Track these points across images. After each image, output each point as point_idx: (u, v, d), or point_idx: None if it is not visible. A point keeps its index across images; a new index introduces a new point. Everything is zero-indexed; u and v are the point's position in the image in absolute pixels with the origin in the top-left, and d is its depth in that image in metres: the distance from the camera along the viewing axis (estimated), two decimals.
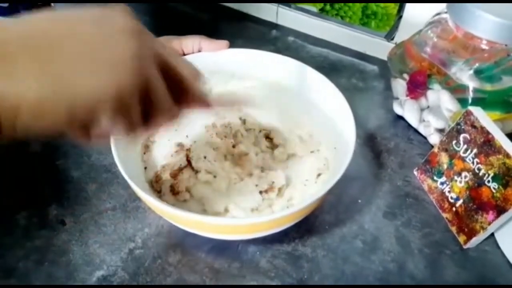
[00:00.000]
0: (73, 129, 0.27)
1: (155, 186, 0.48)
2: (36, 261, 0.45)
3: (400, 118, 0.66)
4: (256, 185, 0.49)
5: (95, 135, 0.28)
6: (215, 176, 0.49)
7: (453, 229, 0.51)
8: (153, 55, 0.28)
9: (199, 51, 0.54)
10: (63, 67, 0.24)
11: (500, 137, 0.47)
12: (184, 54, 0.54)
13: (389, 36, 0.76)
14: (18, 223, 0.48)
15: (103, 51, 0.25)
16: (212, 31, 0.57)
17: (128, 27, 0.27)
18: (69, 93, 0.24)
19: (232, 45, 0.55)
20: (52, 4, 0.82)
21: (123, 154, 0.43)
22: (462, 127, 0.51)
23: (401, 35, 0.71)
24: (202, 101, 0.35)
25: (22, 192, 0.51)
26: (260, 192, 0.48)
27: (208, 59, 0.54)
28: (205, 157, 0.50)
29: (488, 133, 0.48)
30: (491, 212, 0.47)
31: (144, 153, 0.51)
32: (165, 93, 0.30)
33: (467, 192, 0.49)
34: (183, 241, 0.48)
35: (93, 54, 0.25)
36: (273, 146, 0.55)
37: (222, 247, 0.48)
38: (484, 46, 0.53)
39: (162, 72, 0.29)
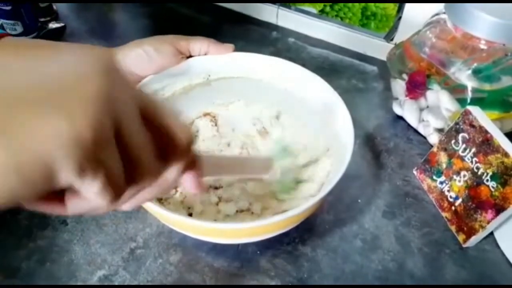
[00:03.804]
0: (37, 198, 0.20)
1: None
2: (38, 261, 0.46)
3: (400, 118, 0.66)
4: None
5: (70, 202, 0.23)
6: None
7: (453, 228, 0.51)
8: (130, 98, 0.23)
9: (205, 54, 0.54)
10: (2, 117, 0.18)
11: (498, 136, 0.47)
12: (190, 56, 0.54)
13: (389, 37, 0.76)
14: (20, 223, 0.49)
15: (60, 91, 0.19)
16: (213, 33, 0.57)
17: (100, 67, 0.21)
18: (13, 148, 0.18)
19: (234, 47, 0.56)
20: (54, 6, 0.83)
21: None
22: (461, 127, 0.51)
23: (401, 36, 0.71)
24: (191, 161, 0.30)
25: None
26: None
27: (209, 61, 0.55)
28: None
29: (486, 132, 0.48)
30: (490, 211, 0.47)
31: None
32: (147, 147, 0.24)
33: (466, 191, 0.50)
34: (183, 241, 0.48)
35: (46, 94, 0.19)
36: None
37: (222, 247, 0.48)
38: (482, 46, 0.53)
39: (144, 121, 0.24)
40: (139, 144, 0.23)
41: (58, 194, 0.23)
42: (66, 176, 0.19)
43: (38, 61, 0.20)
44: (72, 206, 0.23)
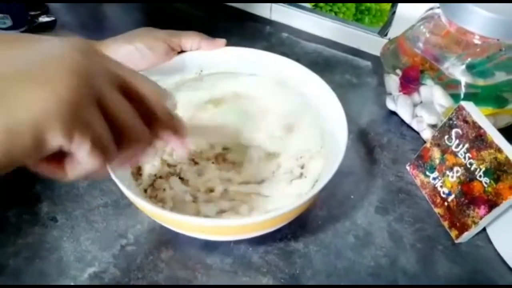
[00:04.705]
0: (33, 160, 0.24)
1: (136, 177, 0.48)
2: (27, 258, 0.45)
3: (393, 113, 0.66)
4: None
5: (68, 166, 0.26)
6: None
7: (445, 224, 0.51)
8: (107, 73, 0.26)
9: (197, 49, 0.54)
10: None
11: (491, 132, 0.47)
12: (182, 51, 0.54)
13: (383, 32, 0.76)
14: (9, 220, 0.48)
15: (42, 68, 0.23)
16: (206, 28, 0.57)
17: (77, 47, 0.25)
18: (6, 113, 0.22)
19: (226, 41, 0.55)
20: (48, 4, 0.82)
21: None
22: (454, 122, 0.51)
23: (395, 31, 0.71)
24: (171, 122, 0.33)
25: (13, 189, 0.51)
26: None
27: (201, 57, 0.54)
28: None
29: (479, 128, 0.48)
30: (482, 206, 0.47)
31: None
32: (131, 113, 0.28)
33: (459, 187, 0.50)
34: (175, 238, 0.48)
35: (30, 72, 0.23)
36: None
37: (214, 243, 0.48)
38: (476, 41, 0.53)
39: (124, 93, 0.27)
40: (121, 110, 0.27)
41: (59, 160, 0.26)
42: (54, 137, 0.23)
43: (24, 49, 0.24)
44: (71, 170, 0.26)
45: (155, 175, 0.48)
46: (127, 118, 0.27)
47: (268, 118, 0.53)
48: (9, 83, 0.22)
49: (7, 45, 0.24)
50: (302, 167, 0.49)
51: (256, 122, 0.52)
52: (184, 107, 0.53)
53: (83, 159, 0.25)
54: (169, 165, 0.49)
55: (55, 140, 0.23)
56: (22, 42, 0.25)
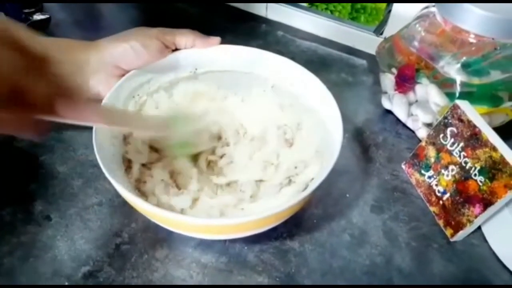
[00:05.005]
0: None
1: (127, 171, 0.48)
2: (21, 257, 0.45)
3: (389, 112, 0.66)
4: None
5: None
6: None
7: (440, 222, 0.51)
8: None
9: (191, 47, 0.54)
10: None
11: (486, 131, 0.47)
12: (176, 49, 0.53)
13: (378, 31, 0.76)
14: (3, 219, 0.48)
15: None
16: (202, 25, 0.56)
17: None
18: None
19: (221, 39, 0.55)
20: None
21: (107, 151, 0.43)
22: (449, 121, 0.51)
23: (391, 30, 0.71)
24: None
25: (7, 188, 0.51)
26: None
27: (196, 55, 0.54)
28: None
29: (474, 126, 0.48)
30: (477, 205, 0.47)
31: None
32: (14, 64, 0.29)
33: (454, 186, 0.50)
34: (170, 236, 0.47)
35: None
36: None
37: (209, 242, 0.47)
38: (471, 40, 0.53)
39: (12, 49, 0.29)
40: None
41: None
42: None
43: None
44: None
45: (144, 164, 0.49)
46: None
47: (268, 135, 0.54)
48: None
49: None
50: (296, 175, 0.50)
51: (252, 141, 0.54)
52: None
53: None
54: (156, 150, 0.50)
55: None
56: None
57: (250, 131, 0.56)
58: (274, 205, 0.39)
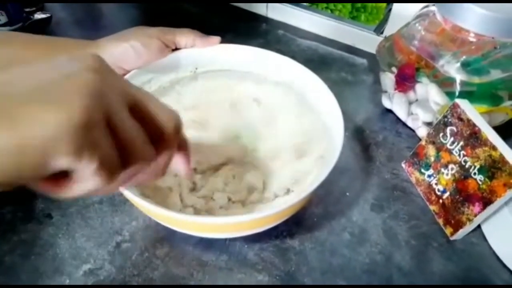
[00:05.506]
0: (39, 178, 0.24)
1: None
2: (22, 255, 0.45)
3: (389, 111, 0.66)
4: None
5: (71, 182, 0.25)
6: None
7: (440, 221, 0.51)
8: (119, 92, 0.26)
9: (192, 47, 0.54)
10: (7, 109, 0.22)
11: (486, 130, 0.47)
12: (177, 48, 0.53)
13: (379, 30, 0.76)
14: (4, 217, 0.48)
15: (55, 88, 0.23)
16: (202, 25, 0.57)
17: (89, 65, 0.25)
18: (19, 131, 0.21)
19: (222, 39, 0.55)
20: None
21: None
22: (449, 120, 0.51)
23: (391, 29, 0.71)
24: (181, 145, 0.33)
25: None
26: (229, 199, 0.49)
27: (196, 54, 0.54)
28: None
29: (474, 125, 0.48)
30: (477, 204, 0.47)
31: None
32: (140, 133, 0.27)
33: (454, 184, 0.50)
34: (170, 234, 0.48)
35: (43, 92, 0.23)
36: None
37: (209, 240, 0.48)
38: (471, 39, 0.53)
39: (133, 112, 0.27)
40: (129, 130, 0.26)
41: (59, 177, 0.25)
42: (63, 158, 0.23)
43: (37, 67, 0.24)
44: (73, 188, 0.25)
45: None
46: (135, 138, 0.27)
47: (278, 142, 0.54)
48: (21, 102, 0.22)
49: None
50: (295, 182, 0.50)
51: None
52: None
53: (88, 178, 0.25)
54: None
55: (64, 161, 0.23)
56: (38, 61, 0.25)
57: (263, 148, 0.55)
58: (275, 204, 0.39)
